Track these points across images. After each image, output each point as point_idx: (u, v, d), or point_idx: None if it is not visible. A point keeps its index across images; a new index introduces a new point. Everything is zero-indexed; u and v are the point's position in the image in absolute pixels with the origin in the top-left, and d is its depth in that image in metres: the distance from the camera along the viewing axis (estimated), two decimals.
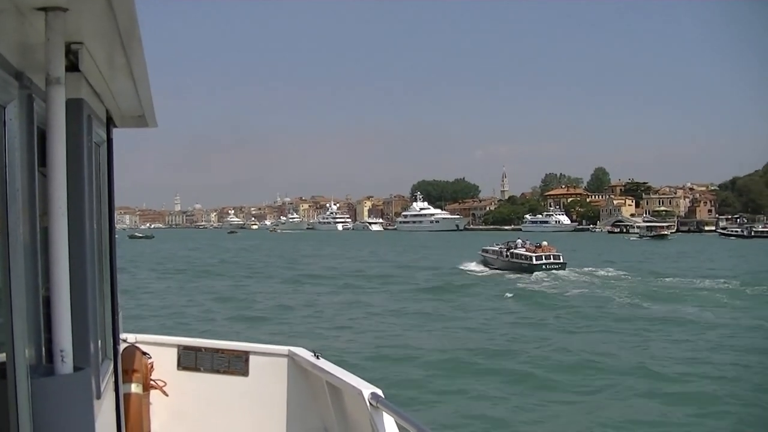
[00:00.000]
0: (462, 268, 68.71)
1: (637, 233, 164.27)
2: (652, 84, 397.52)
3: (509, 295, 44.54)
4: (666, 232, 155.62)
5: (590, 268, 61.20)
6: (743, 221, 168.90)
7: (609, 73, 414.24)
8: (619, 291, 45.54)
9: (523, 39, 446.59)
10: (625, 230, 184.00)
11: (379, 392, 5.17)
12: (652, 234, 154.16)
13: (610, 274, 58.64)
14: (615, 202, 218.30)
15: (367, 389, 5.25)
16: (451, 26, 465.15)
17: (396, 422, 4.75)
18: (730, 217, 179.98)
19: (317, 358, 6.64)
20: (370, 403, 5.08)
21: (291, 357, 7.05)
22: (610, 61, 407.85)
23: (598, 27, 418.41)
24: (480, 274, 63.28)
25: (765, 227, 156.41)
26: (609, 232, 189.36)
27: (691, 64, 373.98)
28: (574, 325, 32.45)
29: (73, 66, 3.48)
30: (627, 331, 30.59)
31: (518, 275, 58.89)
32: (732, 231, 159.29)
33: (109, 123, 5.21)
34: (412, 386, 19.87)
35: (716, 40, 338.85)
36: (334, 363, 6.48)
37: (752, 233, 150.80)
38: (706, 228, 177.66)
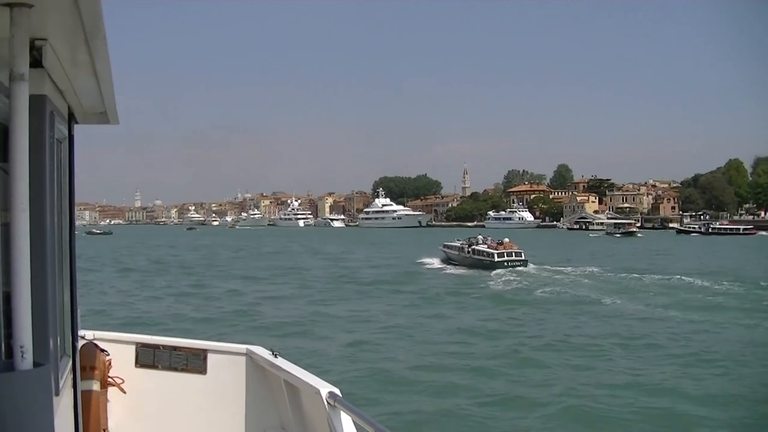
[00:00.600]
0: (426, 267, 66.83)
1: (602, 229, 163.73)
2: (613, 80, 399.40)
3: (476, 295, 42.34)
4: (635, 229, 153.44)
5: (569, 267, 59.15)
6: (707, 218, 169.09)
7: (570, 69, 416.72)
8: (595, 290, 43.47)
9: (485, 34, 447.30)
10: (584, 227, 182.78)
11: (337, 391, 5.15)
12: (620, 231, 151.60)
13: (589, 271, 56.48)
14: (578, 198, 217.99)
15: (324, 388, 5.24)
16: (412, 23, 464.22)
17: (353, 421, 4.81)
18: (694, 214, 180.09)
19: (275, 356, 6.56)
20: (328, 403, 5.09)
21: (249, 355, 6.99)
22: (570, 57, 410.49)
23: (561, 23, 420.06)
24: (449, 271, 61.32)
25: (722, 224, 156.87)
26: (568, 228, 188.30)
27: (653, 61, 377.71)
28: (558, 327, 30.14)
29: (36, 62, 3.51)
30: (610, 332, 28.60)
31: (483, 272, 57.20)
32: (690, 228, 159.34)
33: (71, 119, 5.15)
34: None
35: (685, 37, 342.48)
36: (293, 362, 6.35)
37: (710, 230, 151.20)
38: (671, 225, 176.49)
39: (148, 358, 7.17)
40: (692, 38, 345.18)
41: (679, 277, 49.77)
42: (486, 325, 30.30)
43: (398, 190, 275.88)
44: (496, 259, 60.51)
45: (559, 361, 22.60)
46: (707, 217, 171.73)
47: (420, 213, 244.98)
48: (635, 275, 52.14)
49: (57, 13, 3.04)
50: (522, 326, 30.28)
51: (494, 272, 56.52)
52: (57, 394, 4.03)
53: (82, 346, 6.21)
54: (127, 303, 37.62)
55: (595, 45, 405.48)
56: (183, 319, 31.50)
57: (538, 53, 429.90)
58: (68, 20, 3.05)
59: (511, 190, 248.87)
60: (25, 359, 2.90)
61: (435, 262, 69.02)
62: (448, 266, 65.38)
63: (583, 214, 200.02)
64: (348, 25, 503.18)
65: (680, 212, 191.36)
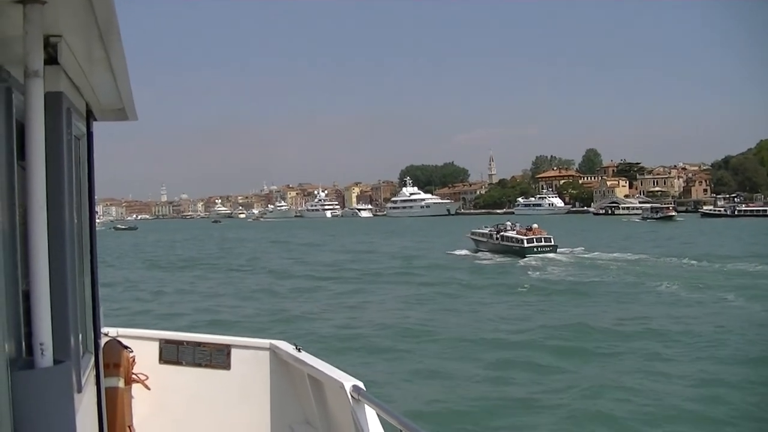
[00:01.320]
0: (457, 254, 66.69)
1: (633, 213, 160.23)
2: (638, 63, 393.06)
3: (525, 287, 40.57)
4: (673, 213, 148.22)
5: (608, 254, 57.75)
6: (740, 200, 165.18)
7: (594, 52, 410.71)
8: (645, 277, 42.55)
9: (508, 19, 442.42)
10: (610, 212, 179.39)
11: (361, 385, 5.15)
12: (658, 215, 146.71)
13: (632, 258, 55.02)
14: (608, 183, 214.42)
15: (348, 382, 5.24)
16: (433, 10, 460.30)
17: (378, 415, 4.81)
18: (727, 196, 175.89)
19: (299, 350, 6.59)
20: (352, 396, 5.10)
21: (272, 350, 7.03)
22: (595, 40, 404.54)
23: (585, 5, 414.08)
24: (484, 262, 59.81)
25: (748, 206, 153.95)
26: (594, 214, 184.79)
27: (678, 42, 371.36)
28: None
29: (51, 59, 3.51)
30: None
31: (520, 260, 56.85)
32: (716, 210, 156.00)
33: (89, 116, 5.14)
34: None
35: (711, 17, 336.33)
36: (316, 355, 6.34)
37: (735, 212, 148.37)
38: (705, 208, 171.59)
39: (171, 354, 7.20)
40: (719, 19, 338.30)
41: (732, 263, 47.86)
42: (538, 316, 29.78)
43: (425, 178, 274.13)
44: (526, 245, 60.65)
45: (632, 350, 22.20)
46: (741, 198, 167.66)
47: (448, 201, 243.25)
48: (685, 261, 50.53)
49: (70, 8, 3.00)
50: (579, 316, 29.25)
51: (523, 260, 56.37)
52: (79, 391, 4.00)
53: (105, 344, 6.17)
54: (151, 300, 37.73)
55: (621, 26, 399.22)
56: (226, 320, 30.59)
57: (561, 37, 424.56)
58: (82, 16, 3.00)
59: (539, 176, 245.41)
60: (45, 356, 2.91)
61: (465, 252, 68.34)
62: (483, 256, 64.08)
63: (614, 199, 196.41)
64: (369, 9, 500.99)
65: (713, 195, 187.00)
